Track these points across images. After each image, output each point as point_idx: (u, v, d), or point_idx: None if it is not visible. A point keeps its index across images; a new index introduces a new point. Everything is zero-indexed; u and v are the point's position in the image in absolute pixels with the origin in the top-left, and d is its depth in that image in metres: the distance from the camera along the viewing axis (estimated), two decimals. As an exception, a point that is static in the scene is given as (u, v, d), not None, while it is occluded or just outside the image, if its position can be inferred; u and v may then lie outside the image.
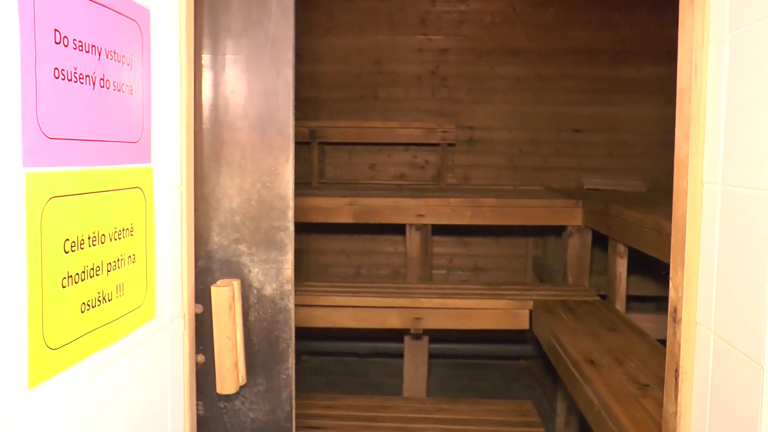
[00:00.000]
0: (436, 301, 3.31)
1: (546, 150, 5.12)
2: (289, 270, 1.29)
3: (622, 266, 3.17)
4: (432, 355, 3.91)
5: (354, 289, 3.55)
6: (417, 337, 3.62)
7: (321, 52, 5.15)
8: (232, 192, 1.29)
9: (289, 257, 1.29)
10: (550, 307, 3.12)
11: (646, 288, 4.35)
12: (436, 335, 3.82)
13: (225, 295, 1.22)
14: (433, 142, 4.93)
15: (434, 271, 5.16)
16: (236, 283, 1.27)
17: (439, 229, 3.97)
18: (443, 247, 5.19)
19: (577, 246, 3.76)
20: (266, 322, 1.30)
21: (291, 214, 1.30)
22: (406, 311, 3.33)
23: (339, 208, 3.83)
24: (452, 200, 3.80)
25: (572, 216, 3.74)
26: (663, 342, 2.64)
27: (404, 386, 3.83)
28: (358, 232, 5.19)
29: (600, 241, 3.78)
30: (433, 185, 5.02)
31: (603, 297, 3.48)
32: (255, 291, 1.29)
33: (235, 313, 1.26)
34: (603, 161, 5.09)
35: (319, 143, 4.98)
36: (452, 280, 5.21)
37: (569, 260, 3.77)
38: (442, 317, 3.31)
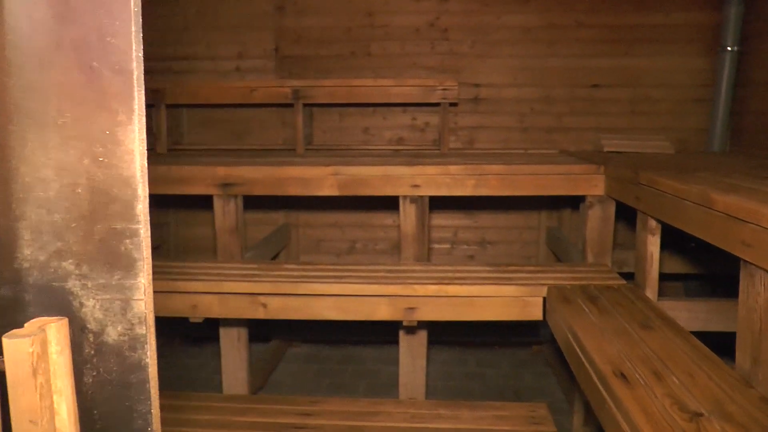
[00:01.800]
0: (432, 288, 2.80)
1: (560, 109, 4.56)
2: (142, 302, 0.78)
3: (653, 245, 2.65)
4: (433, 341, 3.43)
5: (337, 273, 3.05)
6: (411, 330, 3.13)
7: (305, 4, 4.59)
8: (48, 172, 0.77)
9: (141, 282, 0.77)
10: (568, 294, 2.61)
11: (672, 264, 3.83)
12: (435, 327, 3.33)
13: (25, 352, 0.71)
14: (433, 101, 4.37)
15: (437, 246, 4.66)
16: (56, 326, 0.76)
17: (439, 202, 3.45)
18: (447, 219, 4.67)
19: (598, 219, 3.23)
20: (111, 386, 0.79)
21: (142, 208, 0.78)
22: (398, 300, 2.82)
23: (321, 179, 3.31)
24: (452, 168, 3.27)
25: (592, 184, 3.20)
26: (704, 338, 2.17)
27: (400, 385, 3.35)
28: (351, 205, 4.68)
29: (624, 213, 3.25)
30: (434, 150, 4.49)
31: (627, 276, 2.97)
32: (91, 336, 0.79)
33: (51, 376, 0.74)
34: (624, 120, 4.52)
35: (305, 105, 4.44)
36: (457, 255, 4.70)
37: (589, 235, 3.24)
38: (440, 307, 2.80)
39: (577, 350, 2.09)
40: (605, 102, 4.52)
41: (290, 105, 4.43)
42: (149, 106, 4.48)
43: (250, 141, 4.79)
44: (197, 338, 4.64)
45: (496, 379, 4.17)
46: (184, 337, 4.74)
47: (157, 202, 3.46)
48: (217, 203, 3.43)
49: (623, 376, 1.80)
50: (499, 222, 4.65)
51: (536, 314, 2.75)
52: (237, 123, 4.79)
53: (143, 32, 0.83)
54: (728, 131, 4.36)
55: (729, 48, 4.25)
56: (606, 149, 4.18)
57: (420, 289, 2.80)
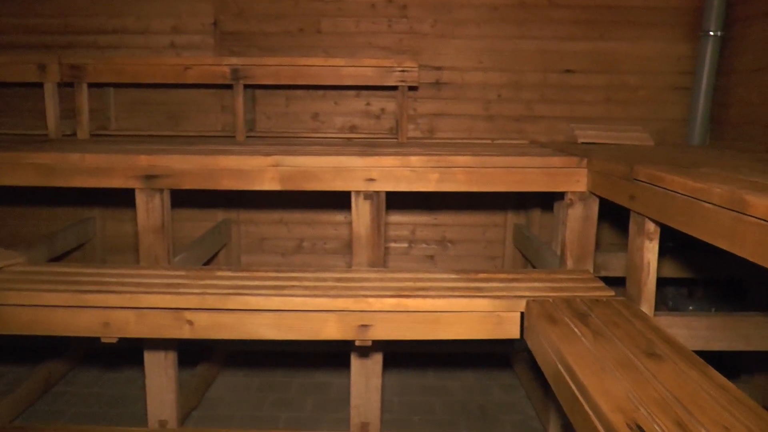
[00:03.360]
0: (389, 302, 2.36)
1: (530, 95, 4.16)
2: None
3: (651, 252, 2.25)
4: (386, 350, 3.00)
5: (278, 283, 2.58)
6: (365, 351, 2.69)
7: (249, -27, 4.11)
8: None
9: None
10: (551, 310, 2.19)
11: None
12: (393, 347, 2.90)
13: None
14: (390, 84, 3.91)
15: (393, 244, 4.23)
16: None
17: (396, 198, 3.00)
18: (404, 215, 4.24)
19: (579, 219, 2.83)
20: None
21: None
22: (349, 316, 2.38)
23: (260, 171, 2.84)
24: (413, 159, 2.83)
25: (574, 179, 2.80)
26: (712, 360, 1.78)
27: (352, 407, 2.91)
28: (296, 203, 4.21)
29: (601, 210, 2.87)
30: (391, 139, 4.04)
31: (608, 282, 2.59)
32: None
33: None
34: (599, 109, 4.14)
35: (247, 87, 3.95)
36: (416, 255, 4.27)
37: (568, 237, 2.84)
38: (399, 324, 2.37)
39: (574, 389, 1.67)
40: (579, 89, 4.14)
41: (230, 86, 3.94)
42: (68, 85, 3.94)
43: (186, 127, 4.28)
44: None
45: (459, 393, 3.76)
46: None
47: (79, 193, 2.91)
48: (140, 198, 2.93)
49: (641, 430, 1.39)
50: (461, 219, 4.24)
51: (513, 332, 2.33)
52: (171, 106, 4.28)
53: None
54: (709, 123, 4.01)
55: (711, 33, 3.90)
56: (580, 140, 3.79)
57: (375, 303, 2.36)
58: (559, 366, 1.81)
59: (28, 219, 4.33)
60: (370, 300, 2.36)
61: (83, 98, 3.93)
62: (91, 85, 3.99)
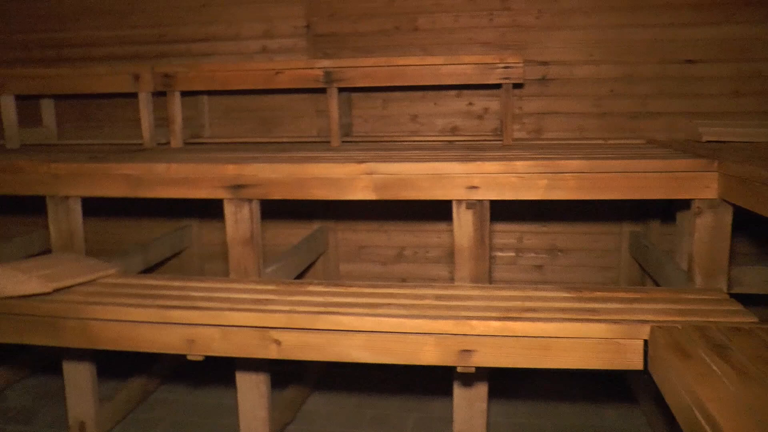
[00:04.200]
0: (494, 326, 2.12)
1: (646, 89, 3.80)
2: None
3: (803, 271, 1.91)
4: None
5: (372, 300, 2.39)
6: (468, 379, 2.45)
7: (341, -28, 3.96)
8: None
9: None
10: (681, 340, 1.89)
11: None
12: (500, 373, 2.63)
13: None
14: (493, 82, 3.65)
15: (499, 253, 3.97)
16: None
17: (501, 203, 2.73)
18: (509, 221, 3.97)
19: (710, 229, 2.49)
20: None
21: None
22: (450, 340, 2.15)
23: (353, 180, 2.65)
24: (519, 164, 2.57)
25: (703, 184, 2.46)
26: None
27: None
28: (395, 210, 4.01)
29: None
30: (494, 141, 3.77)
31: (739, 298, 2.25)
32: None
33: None
34: (727, 102, 3.73)
35: (342, 90, 3.78)
36: (523, 265, 3.99)
37: (697, 250, 2.51)
38: (505, 350, 2.12)
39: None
40: (702, 81, 3.74)
41: (323, 90, 3.78)
42: (162, 94, 3.89)
43: (281, 133, 4.17)
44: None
45: (571, 416, 3.45)
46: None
47: (176, 201, 2.82)
48: (228, 209, 2.82)
49: None
50: (572, 225, 3.92)
51: (634, 363, 2.04)
52: (265, 112, 4.18)
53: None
54: None
55: None
56: (705, 138, 3.41)
57: (478, 326, 2.12)
58: (696, 413, 1.52)
59: (130, 227, 4.34)
60: (473, 323, 2.12)
61: (175, 106, 3.88)
62: (185, 93, 3.93)
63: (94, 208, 3.21)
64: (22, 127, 4.15)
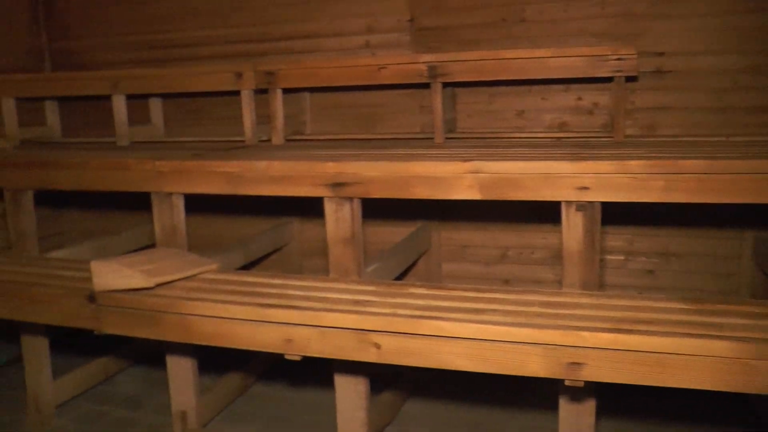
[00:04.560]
0: (605, 338, 1.97)
1: (774, 81, 3.51)
2: None
3: None
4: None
5: (476, 305, 2.29)
6: (576, 394, 2.31)
7: (446, -38, 3.85)
8: None
9: None
10: (822, 361, 1.70)
11: None
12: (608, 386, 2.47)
13: None
14: (604, 75, 3.45)
15: (608, 256, 3.76)
16: None
17: (610, 207, 2.56)
18: (620, 224, 3.76)
19: None
20: None
21: None
22: (558, 351, 2.02)
23: (457, 178, 2.55)
24: (633, 163, 2.40)
25: None
26: None
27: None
28: (498, 210, 3.87)
29: None
30: (605, 138, 3.57)
31: None
32: None
33: None
34: None
35: (446, 84, 3.68)
36: (633, 269, 3.78)
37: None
38: (617, 364, 1.97)
39: None
40: (841, 71, 3.42)
41: (427, 85, 3.69)
42: (264, 91, 3.91)
43: (383, 129, 4.12)
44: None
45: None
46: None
47: (276, 197, 2.81)
48: (328, 207, 2.77)
49: None
50: (688, 228, 3.67)
51: (766, 386, 1.86)
52: (367, 108, 4.13)
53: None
54: None
55: None
56: (842, 135, 3.11)
57: (589, 338, 1.98)
58: None
59: (231, 223, 4.41)
60: (583, 334, 1.99)
61: (277, 104, 3.88)
62: (287, 91, 3.94)
63: (197, 204, 3.25)
64: (131, 126, 4.27)
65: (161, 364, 3.37)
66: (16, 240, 3.61)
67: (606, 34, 3.66)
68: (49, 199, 4.26)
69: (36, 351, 3.59)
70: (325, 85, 3.86)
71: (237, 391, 3.74)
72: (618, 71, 3.41)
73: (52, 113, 4.80)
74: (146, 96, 4.45)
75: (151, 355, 3.96)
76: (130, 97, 4.24)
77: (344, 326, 2.25)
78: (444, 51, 3.81)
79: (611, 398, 3.35)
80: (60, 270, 3.10)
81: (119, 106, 4.20)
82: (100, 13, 4.76)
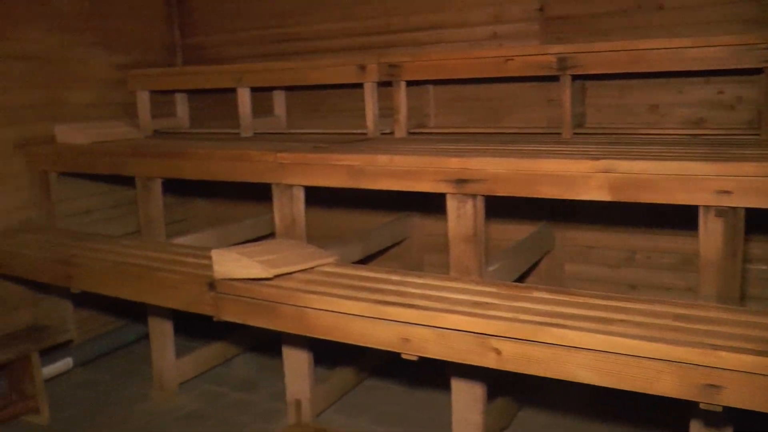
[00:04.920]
0: (747, 360, 1.79)
1: None
2: None
3: None
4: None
5: (602, 314, 2.15)
6: (712, 418, 2.13)
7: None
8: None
9: None
10: None
11: None
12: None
13: None
14: (750, 66, 3.16)
15: (749, 266, 3.47)
16: None
17: (758, 213, 2.34)
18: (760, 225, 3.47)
19: None
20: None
21: None
22: (691, 370, 1.86)
23: (585, 178, 2.41)
24: (783, 165, 2.18)
25: None
26: None
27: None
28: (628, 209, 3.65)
29: None
30: (749, 136, 3.28)
31: None
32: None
33: None
34: None
35: (575, 77, 3.50)
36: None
37: None
38: (762, 391, 1.79)
39: None
40: None
41: (555, 78, 3.53)
42: (386, 84, 3.87)
43: (507, 123, 3.99)
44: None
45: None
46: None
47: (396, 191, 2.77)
48: (450, 204, 2.70)
49: None
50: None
51: None
52: (492, 101, 4.01)
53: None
54: None
55: None
56: None
57: (729, 359, 1.81)
58: None
59: (350, 215, 4.41)
60: (722, 354, 1.81)
61: (401, 96, 3.83)
62: (410, 83, 3.88)
63: (316, 195, 3.25)
64: (255, 117, 4.35)
65: (276, 351, 3.43)
66: (145, 225, 3.77)
67: (754, 20, 3.37)
68: (176, 187, 4.41)
69: (161, 332, 3.73)
70: (450, 77, 3.76)
71: (351, 383, 3.74)
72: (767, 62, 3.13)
73: (181, 105, 5.00)
74: (270, 89, 4.51)
75: (267, 341, 4.03)
76: (254, 90, 4.32)
77: (464, 329, 2.17)
78: (574, 41, 3.64)
79: (751, 426, 3.10)
80: (183, 256, 3.19)
81: (243, 98, 4.29)
82: (228, 10, 4.89)
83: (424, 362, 2.36)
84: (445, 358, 2.26)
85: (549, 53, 3.45)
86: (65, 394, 3.91)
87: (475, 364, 2.20)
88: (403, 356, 2.34)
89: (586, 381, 2.02)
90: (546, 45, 3.67)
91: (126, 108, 4.66)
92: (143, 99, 4.65)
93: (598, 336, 1.98)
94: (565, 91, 3.45)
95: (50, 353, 3.94)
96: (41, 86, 4.12)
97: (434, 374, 3.14)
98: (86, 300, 4.10)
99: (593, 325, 2.05)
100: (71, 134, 4.07)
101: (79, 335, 4.24)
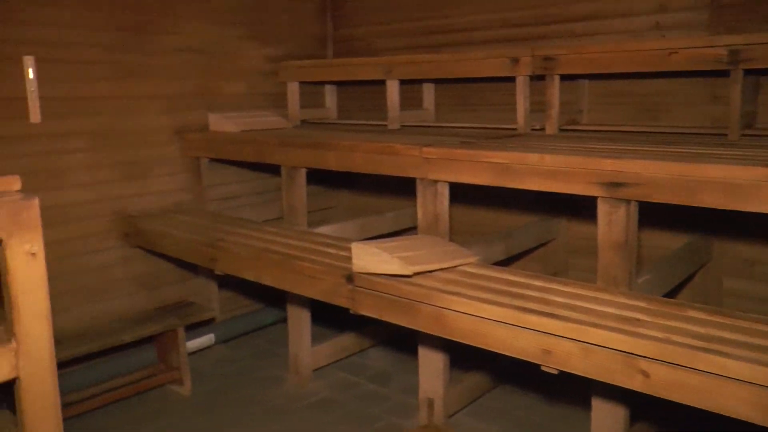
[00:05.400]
0: None
1: None
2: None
3: None
4: None
5: (763, 341, 1.93)
6: None
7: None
8: None
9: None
10: None
11: None
12: None
13: None
14: None
15: None
16: None
17: None
18: None
19: None
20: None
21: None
22: None
23: (756, 187, 2.16)
24: None
25: None
26: None
27: None
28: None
29: None
30: None
31: None
32: None
33: None
34: None
35: (747, 72, 3.18)
36: None
37: None
38: None
39: None
40: None
41: (725, 72, 3.22)
42: (539, 78, 3.70)
43: (665, 121, 3.71)
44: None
45: None
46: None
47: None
48: (602, 208, 2.52)
49: None
50: None
51: None
52: (649, 98, 3.74)
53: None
54: None
55: None
56: None
57: None
58: None
59: (494, 212, 4.29)
60: None
61: (554, 91, 3.65)
62: (564, 77, 3.68)
63: (459, 191, 3.16)
64: (402, 110, 4.31)
65: (411, 345, 3.38)
66: (288, 213, 3.83)
67: None
68: (321, 177, 4.46)
69: (299, 318, 3.79)
70: (607, 71, 3.52)
71: (485, 387, 3.63)
72: None
73: (330, 96, 5.07)
74: (419, 81, 4.45)
75: (402, 334, 4.01)
76: (402, 82, 4.28)
77: (610, 346, 2.01)
78: (747, 32, 3.30)
79: None
80: (323, 246, 3.20)
81: (392, 90, 4.26)
82: (379, 1, 4.88)
83: (563, 372, 2.22)
84: (588, 376, 2.11)
85: (718, 45, 3.14)
86: (206, 369, 4.08)
87: (621, 385, 2.04)
88: (543, 368, 2.22)
89: (745, 418, 1.80)
90: (715, 36, 3.36)
91: (276, 98, 4.78)
92: (293, 90, 4.74)
93: (758, 368, 1.76)
94: (735, 88, 3.15)
95: (195, 329, 4.11)
96: (198, 77, 4.30)
97: (572, 386, 2.97)
98: (229, 281, 4.25)
99: (757, 355, 1.83)
100: (222, 123, 4.22)
101: (221, 314, 4.41)
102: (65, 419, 1.59)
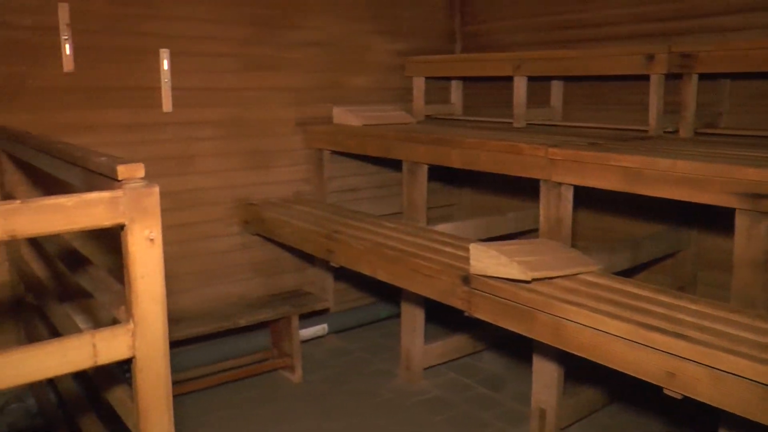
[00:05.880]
0: None
1: None
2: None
3: None
4: None
5: None
6: None
7: None
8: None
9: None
10: None
11: None
12: None
13: None
14: None
15: None
16: None
17: None
18: None
19: None
20: None
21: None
22: None
23: None
24: None
25: None
26: None
27: None
28: None
29: None
30: None
31: None
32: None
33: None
34: None
35: None
36: None
37: None
38: None
39: None
40: None
41: None
42: (675, 76, 3.46)
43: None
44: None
45: None
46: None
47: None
48: (741, 221, 2.34)
49: None
50: None
51: None
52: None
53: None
54: None
55: None
56: None
57: None
58: None
59: (619, 218, 4.08)
60: None
61: (691, 91, 3.41)
62: (703, 76, 3.43)
63: (584, 193, 3.02)
64: (529, 107, 4.18)
65: (526, 350, 3.27)
66: (407, 208, 3.80)
67: None
68: (444, 173, 4.41)
69: (413, 315, 3.76)
70: (753, 70, 3.24)
71: (600, 402, 3.47)
72: None
73: (456, 92, 5.00)
74: (546, 78, 4.30)
75: (516, 338, 3.91)
76: (530, 79, 4.15)
77: (744, 375, 1.84)
78: None
79: None
80: (441, 245, 3.14)
81: (520, 87, 4.14)
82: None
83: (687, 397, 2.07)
84: (717, 405, 1.94)
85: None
86: (318, 358, 4.14)
87: (757, 420, 1.86)
88: (665, 392, 2.07)
89: None
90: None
91: (401, 93, 4.76)
92: (419, 85, 4.71)
93: None
94: None
95: (309, 317, 4.17)
96: (325, 70, 4.36)
97: (696, 412, 2.77)
98: (344, 273, 4.28)
99: None
100: (346, 116, 4.26)
101: (335, 305, 4.45)
102: (179, 396, 1.63)
